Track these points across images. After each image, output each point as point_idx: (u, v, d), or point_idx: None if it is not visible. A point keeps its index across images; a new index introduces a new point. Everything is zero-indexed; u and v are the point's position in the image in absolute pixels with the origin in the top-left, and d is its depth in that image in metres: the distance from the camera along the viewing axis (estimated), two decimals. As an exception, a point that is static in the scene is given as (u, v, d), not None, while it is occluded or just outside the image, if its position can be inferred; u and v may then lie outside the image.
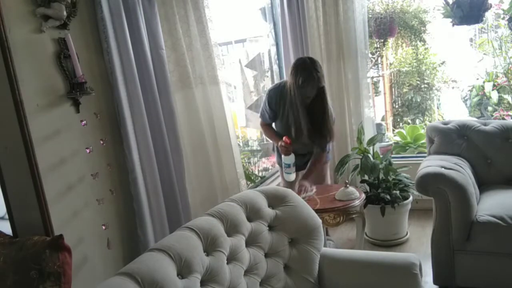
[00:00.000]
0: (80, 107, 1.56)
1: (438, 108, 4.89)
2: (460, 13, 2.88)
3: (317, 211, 1.88)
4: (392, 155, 3.40)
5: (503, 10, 3.76)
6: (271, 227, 1.64)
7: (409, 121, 4.77)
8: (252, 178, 3.20)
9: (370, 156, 2.90)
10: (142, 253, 1.36)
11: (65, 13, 1.47)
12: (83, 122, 1.55)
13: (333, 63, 3.26)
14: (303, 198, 2.00)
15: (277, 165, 2.88)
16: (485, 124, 2.71)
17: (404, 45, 4.69)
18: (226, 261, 1.44)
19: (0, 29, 1.27)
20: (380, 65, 4.83)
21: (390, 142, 4.20)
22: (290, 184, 2.53)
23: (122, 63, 1.66)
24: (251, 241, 1.57)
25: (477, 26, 4.40)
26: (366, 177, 2.93)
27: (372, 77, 4.69)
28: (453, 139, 2.71)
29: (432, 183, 2.21)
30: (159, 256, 1.27)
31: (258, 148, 4.10)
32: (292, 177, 2.52)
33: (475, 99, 4.56)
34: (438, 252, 2.22)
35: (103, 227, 1.61)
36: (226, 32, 3.62)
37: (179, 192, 1.89)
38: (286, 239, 1.64)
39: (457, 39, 4.65)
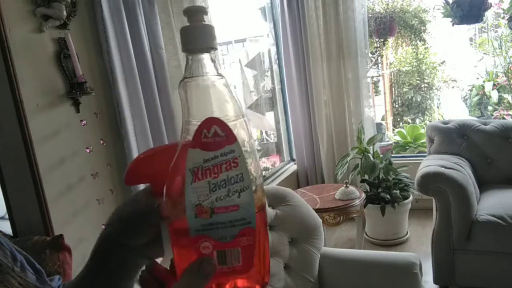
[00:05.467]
0: (80, 107, 1.56)
1: (438, 107, 4.89)
2: (460, 12, 2.87)
3: (317, 210, 1.88)
4: (392, 155, 3.40)
5: (503, 9, 3.76)
6: (271, 227, 1.64)
7: (409, 120, 4.76)
8: (252, 177, 3.18)
9: (370, 155, 2.90)
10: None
11: (65, 13, 1.48)
12: (83, 122, 1.55)
13: (333, 63, 3.26)
14: None
15: (277, 165, 2.83)
16: (485, 124, 2.71)
17: (404, 44, 4.69)
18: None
19: (0, 29, 1.27)
20: (380, 65, 4.83)
21: (390, 142, 4.20)
22: None
23: (122, 63, 1.66)
24: (251, 241, 1.57)
25: (477, 25, 4.40)
26: (366, 177, 2.92)
27: (372, 77, 4.69)
28: (453, 138, 2.71)
29: (432, 182, 2.21)
30: (159, 256, 1.27)
31: (258, 148, 4.09)
32: None
33: (475, 99, 4.57)
34: (438, 251, 2.22)
35: (104, 227, 1.61)
36: (226, 32, 3.62)
37: (179, 192, 1.88)
38: (286, 239, 1.64)
39: (457, 38, 4.65)
